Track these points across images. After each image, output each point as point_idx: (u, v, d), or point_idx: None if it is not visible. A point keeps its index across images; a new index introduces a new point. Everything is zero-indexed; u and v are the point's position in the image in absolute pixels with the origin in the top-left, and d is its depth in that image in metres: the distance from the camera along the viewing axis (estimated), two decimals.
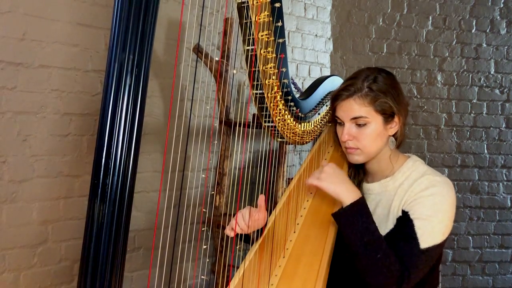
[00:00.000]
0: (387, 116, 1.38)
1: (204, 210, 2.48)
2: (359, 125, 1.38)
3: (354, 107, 1.37)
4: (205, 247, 2.54)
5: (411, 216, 1.32)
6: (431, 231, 1.29)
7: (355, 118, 1.37)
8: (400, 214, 1.36)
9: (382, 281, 1.24)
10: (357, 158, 1.43)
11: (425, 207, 1.31)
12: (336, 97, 1.42)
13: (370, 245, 1.24)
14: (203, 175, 2.58)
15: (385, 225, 1.39)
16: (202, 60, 2.30)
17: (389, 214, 1.39)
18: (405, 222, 1.33)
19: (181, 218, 2.24)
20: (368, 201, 1.47)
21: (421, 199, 1.33)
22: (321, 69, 3.35)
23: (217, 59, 2.37)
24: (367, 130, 1.37)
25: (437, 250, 1.31)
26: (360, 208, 1.28)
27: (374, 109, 1.36)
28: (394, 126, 1.41)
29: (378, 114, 1.36)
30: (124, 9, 0.96)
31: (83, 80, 2.11)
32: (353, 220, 1.26)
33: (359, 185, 1.51)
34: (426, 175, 1.37)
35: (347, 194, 1.29)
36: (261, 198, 1.36)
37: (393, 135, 1.43)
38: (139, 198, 2.37)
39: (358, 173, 1.53)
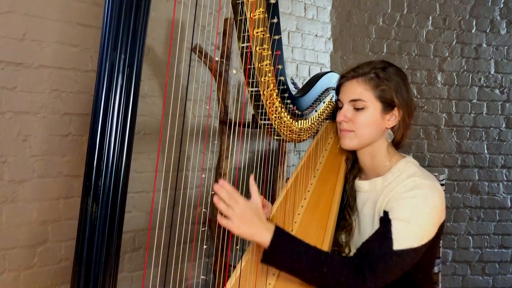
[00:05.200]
0: (387, 105, 1.38)
1: (204, 210, 2.48)
2: (356, 109, 1.39)
3: (355, 88, 1.38)
4: (205, 247, 2.54)
5: (390, 216, 1.28)
6: (408, 233, 1.24)
7: (354, 100, 1.38)
8: (381, 214, 1.33)
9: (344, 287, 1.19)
10: (348, 142, 1.43)
11: (405, 208, 1.27)
12: (342, 76, 1.44)
13: (312, 266, 1.17)
14: (203, 175, 2.59)
15: (371, 225, 1.37)
16: (202, 60, 2.30)
17: (374, 214, 1.37)
18: (383, 222, 1.30)
19: (181, 218, 2.24)
20: (357, 199, 1.47)
21: (402, 200, 1.29)
22: (321, 69, 3.35)
23: (217, 59, 2.37)
24: (363, 114, 1.38)
25: (412, 255, 1.24)
26: (282, 239, 1.18)
27: (374, 94, 1.36)
28: (393, 119, 1.40)
29: (377, 100, 1.37)
30: (115, 8, 0.95)
31: (83, 80, 2.11)
32: (283, 255, 1.17)
33: (353, 180, 1.51)
34: (414, 176, 1.33)
35: (262, 233, 1.17)
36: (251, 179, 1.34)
37: (391, 128, 1.41)
38: (139, 198, 2.37)
39: (354, 168, 1.53)
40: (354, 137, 1.41)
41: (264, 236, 1.16)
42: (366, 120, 1.38)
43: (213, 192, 2.51)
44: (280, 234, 1.18)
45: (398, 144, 1.45)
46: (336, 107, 1.48)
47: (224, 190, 1.17)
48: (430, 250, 1.34)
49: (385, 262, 1.21)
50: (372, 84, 1.37)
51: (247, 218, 1.16)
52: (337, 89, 1.47)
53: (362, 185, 1.46)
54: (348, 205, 1.47)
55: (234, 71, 2.47)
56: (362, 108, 1.38)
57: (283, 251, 1.17)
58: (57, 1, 2.01)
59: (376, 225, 1.35)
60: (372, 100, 1.37)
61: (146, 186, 2.40)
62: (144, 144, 2.35)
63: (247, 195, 1.19)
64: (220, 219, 1.17)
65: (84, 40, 2.10)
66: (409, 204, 1.28)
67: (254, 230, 1.16)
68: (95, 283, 1.01)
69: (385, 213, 1.31)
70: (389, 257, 1.22)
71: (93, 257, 1.01)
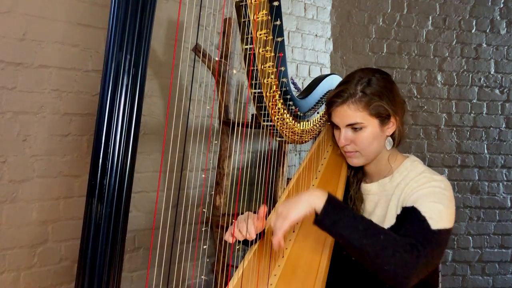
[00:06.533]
0: (383, 118, 1.37)
1: (204, 210, 2.48)
2: (355, 129, 1.38)
3: (348, 113, 1.36)
4: (205, 247, 2.54)
5: (415, 205, 1.28)
6: (439, 214, 1.24)
7: (350, 124, 1.37)
8: (399, 212, 1.34)
9: (398, 262, 1.13)
10: (356, 161, 1.43)
11: (426, 195, 1.28)
12: (330, 103, 1.41)
13: (368, 230, 1.16)
14: (204, 175, 2.59)
15: (382, 225, 1.36)
16: (203, 61, 2.30)
17: (386, 214, 1.38)
18: (409, 213, 1.29)
19: (181, 218, 2.23)
20: (366, 202, 1.47)
21: (422, 191, 1.30)
22: (321, 69, 3.36)
23: (217, 59, 2.37)
24: (363, 134, 1.37)
25: (447, 236, 1.24)
26: (336, 202, 1.20)
27: (369, 113, 1.35)
28: (391, 127, 1.40)
29: (373, 117, 1.36)
30: (121, 9, 0.95)
31: (83, 80, 2.11)
32: (339, 216, 1.16)
33: (358, 185, 1.51)
34: (424, 173, 1.35)
35: (314, 198, 1.18)
36: (262, 210, 1.33)
37: (391, 135, 1.42)
38: (139, 198, 2.37)
39: (357, 172, 1.53)
40: (360, 156, 1.41)
41: (319, 198, 1.18)
42: (368, 139, 1.37)
43: (212, 192, 2.49)
44: (333, 197, 1.20)
45: (399, 143, 1.46)
46: (332, 123, 1.46)
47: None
48: None
49: (431, 239, 1.20)
50: (363, 104, 1.34)
51: (291, 204, 1.19)
52: (328, 113, 1.45)
53: (370, 188, 1.46)
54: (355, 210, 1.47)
55: (234, 71, 2.47)
56: (361, 129, 1.37)
57: (339, 212, 1.17)
58: (57, 1, 2.01)
59: (388, 223, 1.36)
60: (368, 119, 1.35)
61: (146, 186, 2.40)
62: (144, 144, 2.34)
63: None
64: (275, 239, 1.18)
65: (84, 40, 2.10)
66: (429, 191, 1.29)
67: (304, 200, 1.18)
68: (99, 282, 1.01)
69: (406, 209, 1.31)
70: (431, 235, 1.21)
71: (97, 256, 1.01)
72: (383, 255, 1.14)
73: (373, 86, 1.36)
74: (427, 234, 1.21)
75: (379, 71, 1.42)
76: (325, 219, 1.17)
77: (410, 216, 1.28)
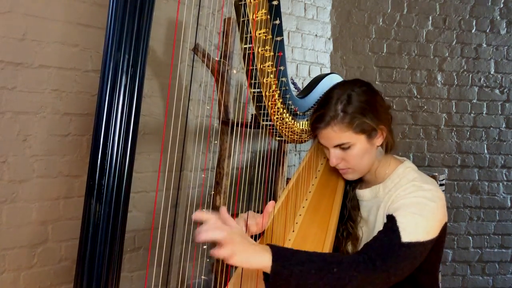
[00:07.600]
0: (369, 132, 1.35)
1: (203, 210, 2.48)
2: (343, 149, 1.36)
3: (333, 136, 1.34)
4: (205, 247, 2.54)
5: (394, 214, 1.25)
6: (415, 226, 1.21)
7: (337, 145, 1.36)
8: (385, 220, 1.30)
9: (355, 285, 1.11)
10: (351, 176, 1.44)
11: (408, 205, 1.26)
12: (313, 129, 1.39)
13: (322, 271, 1.09)
14: (204, 175, 2.58)
15: (373, 233, 1.34)
16: (203, 61, 2.29)
17: (376, 221, 1.38)
18: (388, 220, 1.27)
19: (182, 218, 2.23)
20: (361, 208, 1.47)
21: (405, 200, 1.28)
22: (321, 69, 3.35)
23: (216, 59, 2.37)
24: (353, 151, 1.35)
25: (420, 249, 1.20)
26: (282, 253, 1.08)
27: (354, 131, 1.32)
28: (380, 137, 1.38)
29: (359, 134, 1.33)
30: (119, 8, 0.95)
31: (83, 80, 2.11)
32: (290, 270, 1.06)
33: (353, 191, 1.51)
34: (414, 181, 1.33)
35: (259, 253, 1.05)
36: (271, 204, 1.28)
37: (381, 145, 1.41)
38: (139, 198, 2.37)
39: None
40: (354, 172, 1.41)
41: (263, 256, 1.05)
42: (358, 155, 1.36)
43: (212, 192, 2.49)
44: (278, 250, 1.08)
45: (391, 149, 1.44)
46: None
47: (208, 219, 1.06)
48: (435, 251, 1.34)
49: (395, 253, 1.17)
50: (346, 124, 1.31)
51: (240, 242, 1.04)
52: (314, 136, 1.43)
53: (363, 194, 1.46)
54: (350, 219, 1.46)
55: (235, 71, 2.47)
56: (349, 147, 1.35)
57: (288, 266, 1.06)
58: (57, 1, 2.01)
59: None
60: (354, 137, 1.33)
61: (146, 186, 2.40)
62: (144, 144, 2.34)
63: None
64: (216, 251, 1.02)
65: (84, 40, 2.10)
66: (412, 202, 1.27)
67: (249, 253, 1.04)
68: (98, 282, 1.01)
69: (388, 216, 1.29)
70: (399, 248, 1.17)
71: (96, 256, 1.01)
72: (340, 285, 1.10)
73: (353, 103, 1.32)
74: (393, 247, 1.18)
75: (357, 83, 1.38)
76: (277, 279, 1.06)
77: (386, 224, 1.26)
